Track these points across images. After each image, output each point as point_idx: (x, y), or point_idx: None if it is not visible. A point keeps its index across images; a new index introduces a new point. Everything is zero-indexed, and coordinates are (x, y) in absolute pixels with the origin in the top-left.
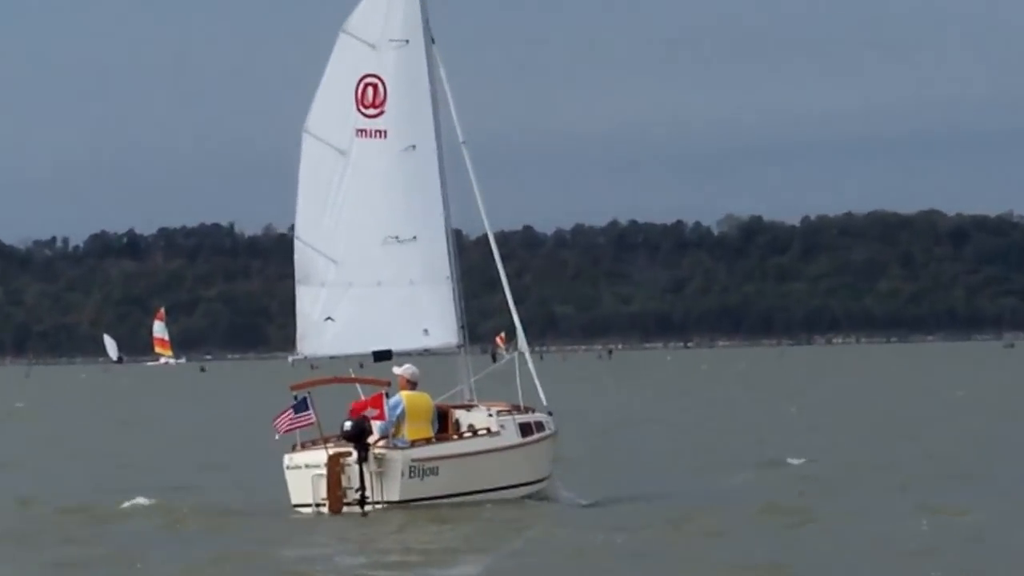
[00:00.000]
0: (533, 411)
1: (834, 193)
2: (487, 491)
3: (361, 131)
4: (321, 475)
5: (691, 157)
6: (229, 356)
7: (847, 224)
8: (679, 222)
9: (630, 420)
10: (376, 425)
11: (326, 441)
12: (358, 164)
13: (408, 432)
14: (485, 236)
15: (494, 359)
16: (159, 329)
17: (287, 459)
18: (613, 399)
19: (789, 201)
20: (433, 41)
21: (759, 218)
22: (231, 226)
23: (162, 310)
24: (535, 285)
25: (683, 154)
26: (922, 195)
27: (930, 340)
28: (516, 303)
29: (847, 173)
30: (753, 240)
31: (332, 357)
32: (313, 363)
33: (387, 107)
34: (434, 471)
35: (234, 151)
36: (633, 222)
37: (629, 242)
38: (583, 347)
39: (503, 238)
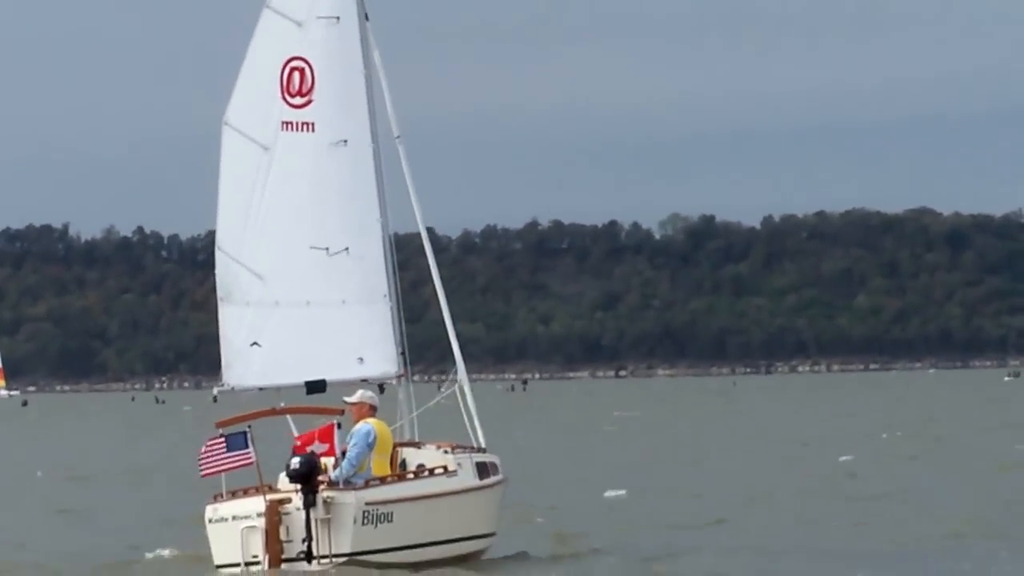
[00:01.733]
0: (484, 451)
1: (803, 188)
2: (441, 543)
3: (287, 123)
4: (253, 527)
5: (628, 146)
6: (59, 387)
7: (819, 226)
8: (612, 223)
9: None
10: (338, 460)
11: (261, 488)
12: (283, 162)
13: (374, 467)
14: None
15: (381, 390)
16: None
17: (209, 511)
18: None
19: (747, 198)
20: (367, 18)
21: (711, 218)
22: (65, 228)
23: None
24: (434, 300)
25: (618, 142)
26: (911, 191)
27: (918, 367)
28: (412, 321)
29: (818, 164)
30: (703, 246)
31: (261, 388)
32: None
33: (315, 95)
34: (388, 517)
35: (75, 139)
36: (556, 223)
37: (550, 248)
38: (492, 376)
39: (397, 243)
